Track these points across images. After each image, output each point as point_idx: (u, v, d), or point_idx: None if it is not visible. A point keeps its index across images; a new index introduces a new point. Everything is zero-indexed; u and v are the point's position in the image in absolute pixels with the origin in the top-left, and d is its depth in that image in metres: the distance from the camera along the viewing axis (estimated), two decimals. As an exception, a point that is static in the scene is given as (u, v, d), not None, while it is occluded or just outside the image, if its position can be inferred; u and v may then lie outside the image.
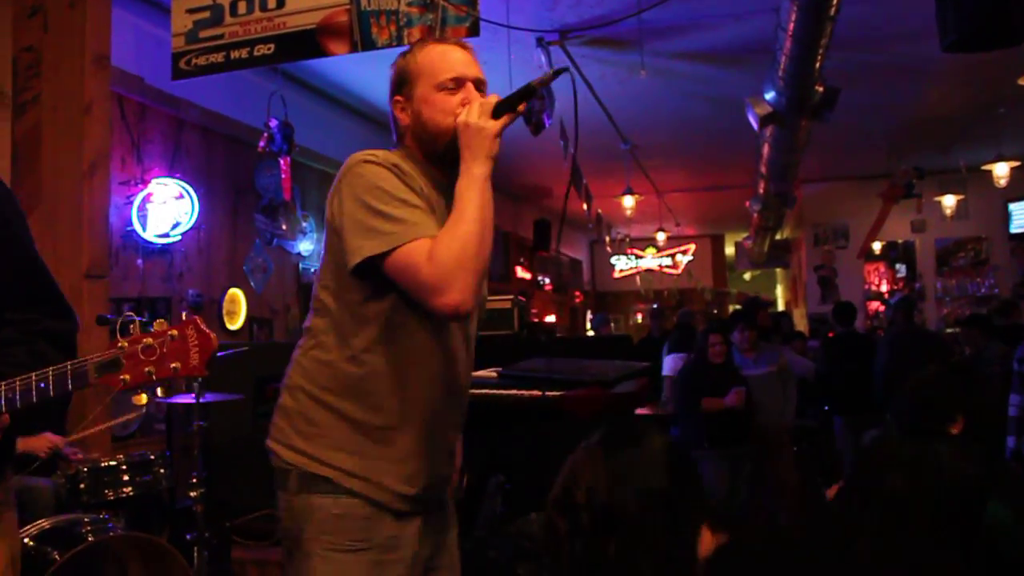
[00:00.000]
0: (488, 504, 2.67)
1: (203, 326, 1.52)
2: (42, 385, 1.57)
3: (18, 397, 1.59)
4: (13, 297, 1.80)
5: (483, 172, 1.70)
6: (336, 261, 1.74)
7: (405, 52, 1.90)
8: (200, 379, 1.48)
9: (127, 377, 1.52)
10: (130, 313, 5.06)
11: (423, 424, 1.78)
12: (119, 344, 1.52)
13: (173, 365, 1.50)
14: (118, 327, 1.57)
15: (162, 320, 1.53)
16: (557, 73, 1.76)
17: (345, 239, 1.68)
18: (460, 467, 2.05)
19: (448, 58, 1.83)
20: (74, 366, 1.56)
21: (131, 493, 3.60)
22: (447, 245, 1.61)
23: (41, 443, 3.59)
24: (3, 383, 1.60)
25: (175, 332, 1.51)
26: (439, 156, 1.81)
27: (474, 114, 1.72)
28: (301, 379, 1.79)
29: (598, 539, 1.38)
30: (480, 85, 1.84)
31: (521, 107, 1.76)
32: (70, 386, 1.56)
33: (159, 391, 1.61)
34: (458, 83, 1.81)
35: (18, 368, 1.63)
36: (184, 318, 1.53)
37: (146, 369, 1.51)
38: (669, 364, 6.44)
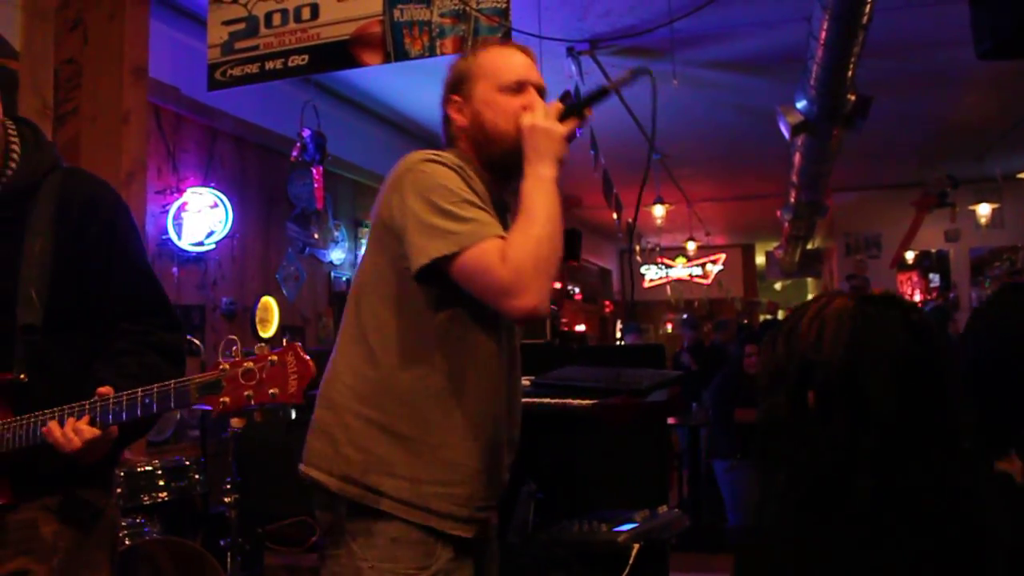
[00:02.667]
0: (520, 512, 2.68)
1: (302, 353, 1.50)
2: (147, 401, 1.61)
3: (124, 411, 1.63)
4: (128, 308, 1.86)
5: (551, 174, 1.64)
6: (393, 264, 1.66)
7: (465, 54, 1.86)
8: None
9: (227, 400, 1.52)
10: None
11: (481, 443, 1.69)
12: (221, 367, 1.53)
13: (272, 391, 1.49)
14: (220, 350, 1.61)
15: (263, 345, 1.53)
16: (636, 74, 1.70)
17: (409, 239, 1.59)
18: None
19: (512, 61, 1.79)
20: (178, 385, 1.58)
21: (166, 498, 3.64)
22: (521, 246, 1.54)
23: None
24: (112, 399, 1.64)
25: (275, 358, 1.50)
26: (494, 162, 1.75)
27: (540, 116, 1.67)
28: (346, 398, 1.67)
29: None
30: (541, 91, 1.79)
31: (589, 111, 1.72)
32: (172, 404, 1.59)
33: (256, 415, 1.62)
34: (521, 86, 1.76)
35: (129, 379, 1.68)
36: (284, 343, 1.53)
37: (245, 393, 1.51)
38: None
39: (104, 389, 1.66)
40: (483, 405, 1.70)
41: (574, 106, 1.69)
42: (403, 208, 1.61)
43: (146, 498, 3.59)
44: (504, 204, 1.78)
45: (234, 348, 1.58)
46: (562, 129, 1.66)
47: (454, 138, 1.81)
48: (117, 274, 1.85)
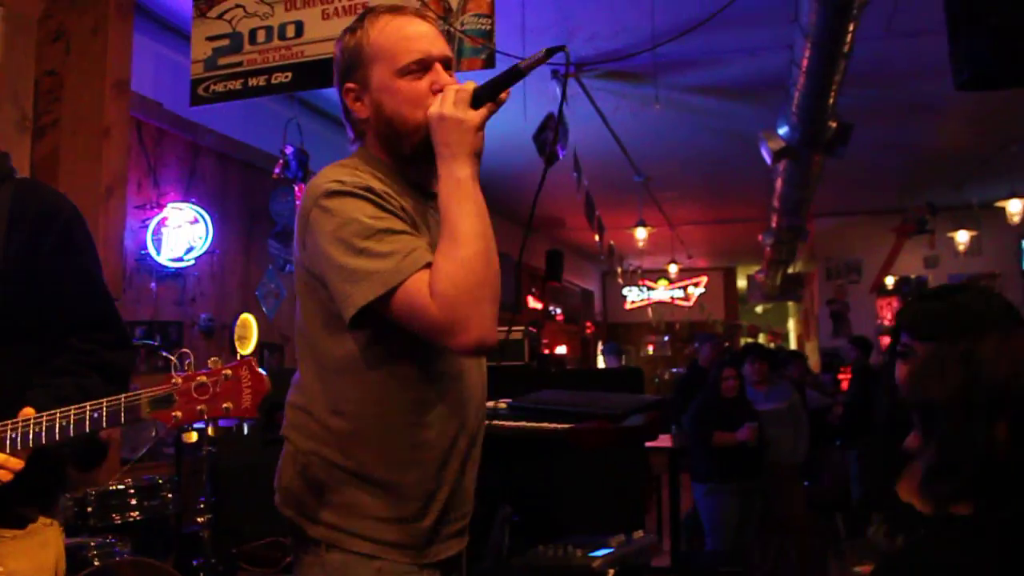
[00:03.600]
0: (495, 536, 2.65)
1: (256, 367, 1.47)
2: (95, 416, 1.58)
3: (72, 427, 1.59)
4: (77, 323, 1.82)
5: (468, 173, 1.43)
6: (323, 306, 1.51)
7: (353, 27, 1.58)
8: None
9: (179, 414, 1.50)
10: (147, 341, 5.08)
11: (446, 468, 1.56)
12: (173, 381, 1.51)
13: (225, 405, 1.46)
14: (173, 364, 1.59)
15: (216, 359, 1.50)
16: (550, 52, 1.45)
17: (333, 288, 1.44)
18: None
19: (408, 33, 1.53)
20: (128, 400, 1.55)
21: (138, 517, 3.59)
22: (449, 274, 1.36)
23: None
24: (59, 412, 1.61)
25: (229, 372, 1.47)
26: (408, 155, 1.55)
27: (449, 103, 1.44)
28: (308, 439, 1.55)
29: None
30: (448, 64, 1.56)
31: (504, 95, 1.47)
32: (123, 419, 1.56)
33: (209, 430, 1.60)
34: (423, 65, 1.52)
35: (60, 402, 1.64)
36: (239, 358, 1.50)
37: (198, 408, 1.48)
38: None
39: (26, 410, 1.64)
40: (445, 434, 1.55)
41: (487, 88, 1.45)
42: (318, 254, 1.46)
43: (117, 517, 3.54)
44: (435, 195, 1.55)
45: (187, 362, 1.54)
46: (475, 117, 1.43)
47: (360, 133, 1.60)
48: (69, 287, 1.82)
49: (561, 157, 6.09)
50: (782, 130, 6.02)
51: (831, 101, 5.31)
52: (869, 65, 5.65)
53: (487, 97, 1.45)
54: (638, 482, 3.58)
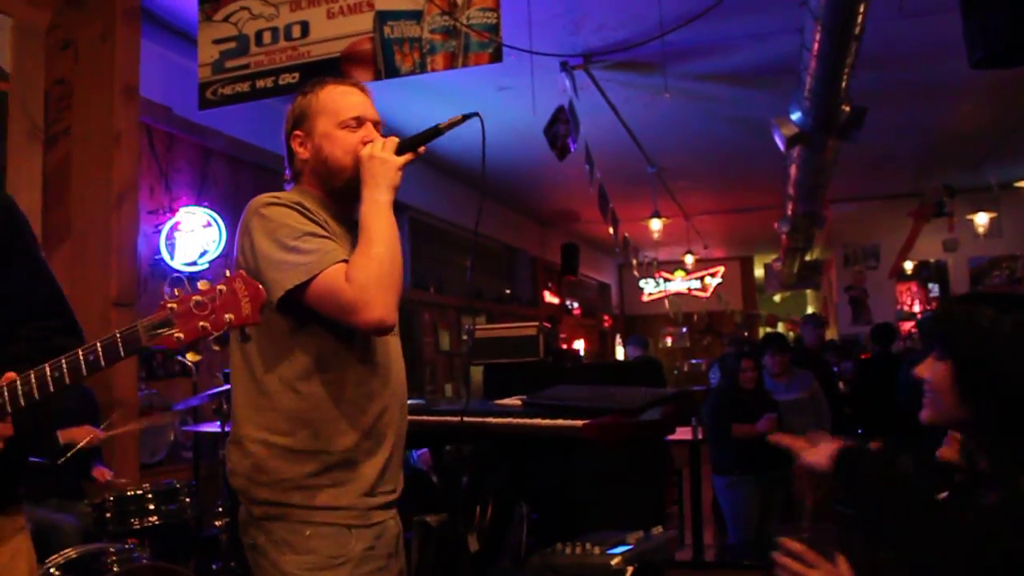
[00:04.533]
0: (513, 534, 2.63)
1: (248, 277, 1.53)
2: (91, 358, 1.54)
3: (67, 373, 1.55)
4: (25, 310, 1.78)
5: (387, 199, 1.80)
6: None
7: (306, 91, 1.97)
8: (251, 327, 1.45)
9: (180, 335, 1.50)
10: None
11: (376, 441, 1.82)
12: (168, 305, 1.51)
13: (227, 316, 1.50)
14: (165, 288, 1.54)
15: (205, 280, 1.52)
16: (466, 117, 1.84)
17: (264, 276, 1.70)
18: None
19: (349, 100, 1.92)
20: (124, 333, 1.52)
21: (157, 522, 3.59)
22: (362, 266, 1.70)
23: (82, 433, 3.61)
24: (49, 364, 1.56)
25: (223, 287, 1.51)
26: (338, 192, 1.89)
27: (378, 148, 1.83)
28: (249, 428, 1.80)
29: None
30: (377, 126, 1.94)
31: (422, 149, 1.86)
32: (122, 352, 1.53)
33: (214, 346, 1.58)
34: (359, 122, 1.90)
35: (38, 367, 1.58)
36: (228, 274, 1.53)
37: (200, 324, 1.50)
38: None
39: (8, 375, 1.59)
40: (371, 408, 1.82)
41: (409, 142, 1.83)
42: (253, 250, 1.76)
43: (136, 523, 3.55)
44: (354, 222, 1.88)
45: (177, 289, 1.53)
46: (397, 160, 1.82)
47: (298, 173, 1.95)
48: (16, 275, 1.78)
49: (573, 150, 6.05)
50: (795, 116, 5.94)
51: (844, 85, 5.24)
52: (882, 47, 5.57)
53: (408, 148, 1.84)
54: (658, 477, 3.55)
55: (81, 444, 3.58)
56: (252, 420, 1.80)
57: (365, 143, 1.87)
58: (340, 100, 1.91)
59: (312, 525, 1.74)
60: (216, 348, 1.51)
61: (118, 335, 1.53)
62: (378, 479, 1.82)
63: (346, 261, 1.72)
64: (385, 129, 1.96)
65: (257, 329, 1.73)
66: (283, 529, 1.75)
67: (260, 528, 1.78)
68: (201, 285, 1.52)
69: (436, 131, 1.86)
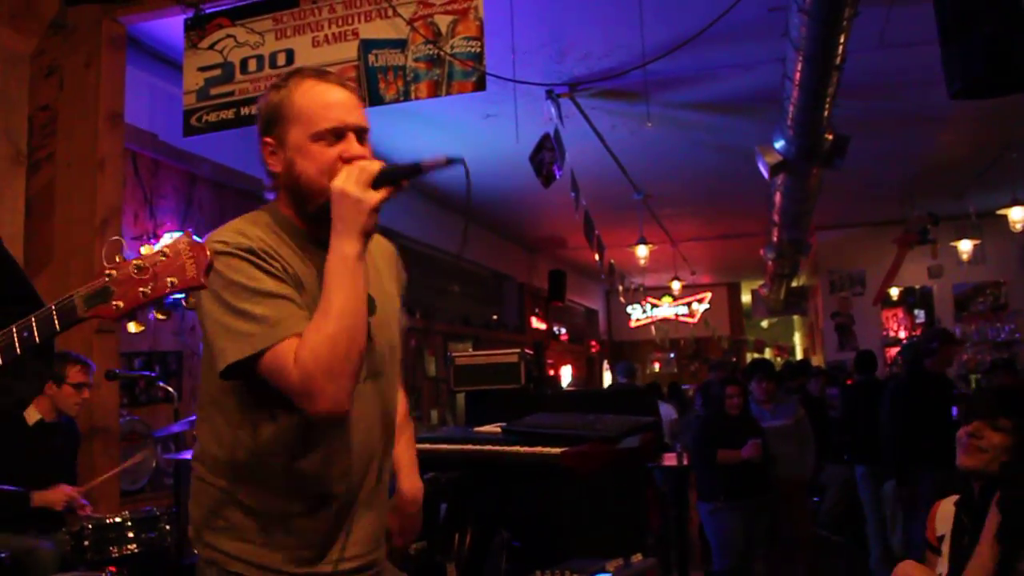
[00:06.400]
0: (493, 562, 2.62)
1: (194, 237, 1.41)
2: (26, 334, 1.46)
3: (1, 353, 1.47)
4: None
5: (355, 251, 1.52)
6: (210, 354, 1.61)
7: (279, 84, 1.68)
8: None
9: (120, 304, 1.40)
10: (145, 372, 5.07)
11: (324, 502, 1.64)
12: (106, 272, 1.41)
13: (170, 280, 1.39)
14: (104, 255, 1.47)
15: (149, 246, 1.42)
16: (451, 162, 1.56)
17: (210, 341, 1.56)
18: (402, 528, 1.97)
19: (327, 101, 1.63)
20: (59, 304, 1.44)
21: (136, 550, 3.57)
22: (312, 349, 1.47)
23: (57, 495, 3.60)
24: None
25: (167, 250, 1.40)
26: (313, 216, 1.64)
27: (352, 181, 1.54)
28: (200, 467, 1.69)
29: None
30: (362, 135, 1.65)
31: (404, 183, 1.58)
32: (58, 326, 1.44)
33: (157, 315, 1.50)
34: (337, 134, 1.61)
35: None
36: (174, 237, 1.43)
37: (140, 290, 1.40)
38: None
39: None
40: (326, 470, 1.64)
41: (391, 173, 1.56)
42: (201, 310, 1.57)
43: (115, 551, 3.52)
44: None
45: (117, 256, 1.42)
46: (373, 199, 1.53)
47: (275, 187, 1.71)
48: None
49: (558, 177, 6.08)
50: (778, 144, 5.99)
51: (826, 114, 5.29)
52: (864, 77, 5.64)
53: (388, 181, 1.55)
54: (639, 504, 3.54)
55: (58, 507, 3.58)
56: (206, 462, 1.69)
57: (345, 160, 1.58)
58: (315, 104, 1.61)
59: None
60: (160, 317, 1.40)
61: (53, 307, 1.44)
62: (322, 551, 1.66)
63: (299, 335, 1.50)
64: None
65: (215, 383, 1.60)
66: None
67: None
68: (143, 249, 1.42)
69: (417, 169, 1.57)
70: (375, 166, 1.56)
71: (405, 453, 1.98)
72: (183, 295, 1.42)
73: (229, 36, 4.46)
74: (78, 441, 4.00)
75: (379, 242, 1.84)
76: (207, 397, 1.68)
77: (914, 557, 2.63)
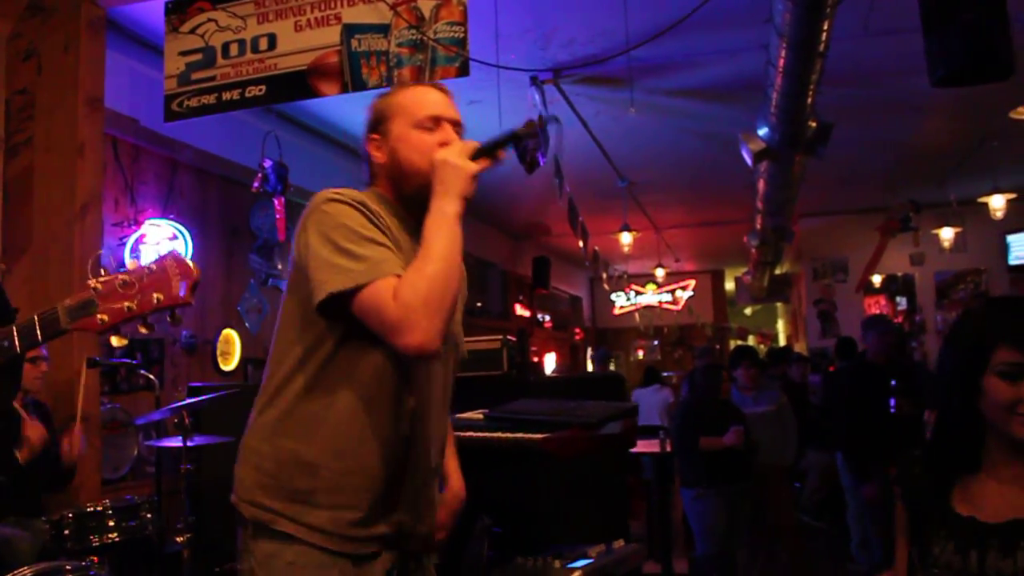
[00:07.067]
0: (474, 548, 2.62)
1: (182, 257, 1.45)
2: (6, 344, 1.46)
3: None
4: None
5: (455, 210, 1.66)
6: (301, 301, 1.70)
7: (384, 92, 1.91)
8: (183, 307, 1.33)
9: (104, 317, 1.43)
10: (127, 360, 5.03)
11: (386, 469, 1.72)
12: (92, 286, 1.43)
13: (156, 296, 1.42)
14: (89, 268, 1.48)
15: (134, 260, 1.45)
16: (544, 122, 1.71)
17: (311, 275, 1.64)
18: (446, 523, 1.97)
19: (427, 98, 1.84)
20: (42, 315, 1.45)
21: (117, 539, 3.53)
22: (412, 285, 1.57)
23: (34, 432, 3.51)
24: None
25: (153, 266, 1.43)
26: (410, 196, 1.79)
27: (454, 152, 1.70)
28: (261, 427, 1.74)
29: None
30: (457, 127, 1.84)
31: (501, 153, 1.74)
32: (40, 336, 1.45)
33: (141, 328, 1.49)
34: (436, 122, 1.81)
35: None
36: (161, 254, 1.46)
37: (125, 305, 1.42)
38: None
39: None
40: (393, 434, 1.72)
41: (488, 146, 1.72)
42: (307, 247, 1.66)
43: (95, 539, 3.48)
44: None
45: (104, 268, 1.45)
46: (472, 167, 1.69)
47: (375, 176, 1.86)
48: None
49: (542, 164, 6.06)
50: (762, 131, 5.99)
51: (809, 101, 5.29)
52: (847, 64, 5.64)
53: (485, 153, 1.72)
54: (621, 490, 3.55)
55: (36, 444, 3.50)
56: (267, 420, 1.74)
57: (442, 145, 1.75)
58: (417, 99, 1.83)
59: (296, 544, 1.66)
60: (144, 331, 1.40)
61: (36, 318, 1.45)
62: (377, 514, 1.71)
63: (400, 275, 1.60)
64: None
65: (295, 335, 1.71)
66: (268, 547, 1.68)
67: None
68: (129, 264, 1.45)
69: (514, 136, 1.73)
70: (472, 143, 1.73)
71: (454, 456, 2.09)
72: (168, 311, 1.44)
73: (210, 20, 4.42)
74: (51, 422, 3.92)
75: None
76: (293, 356, 1.72)
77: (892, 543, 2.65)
